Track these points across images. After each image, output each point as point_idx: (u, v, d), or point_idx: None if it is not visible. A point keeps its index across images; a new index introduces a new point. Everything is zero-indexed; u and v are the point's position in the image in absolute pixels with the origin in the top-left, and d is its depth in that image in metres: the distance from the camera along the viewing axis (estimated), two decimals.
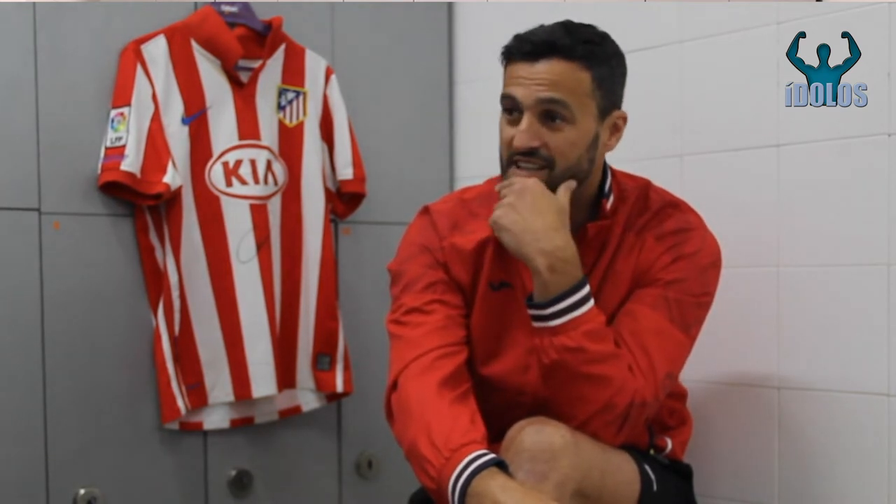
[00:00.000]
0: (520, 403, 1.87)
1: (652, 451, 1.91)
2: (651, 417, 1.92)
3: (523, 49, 1.78)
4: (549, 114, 1.76)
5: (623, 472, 1.80)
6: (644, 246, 1.85)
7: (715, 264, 1.88)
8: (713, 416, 2.13)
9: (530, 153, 1.77)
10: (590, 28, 1.82)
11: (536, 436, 1.69)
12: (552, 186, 1.77)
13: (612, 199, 1.87)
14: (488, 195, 1.89)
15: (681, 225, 1.87)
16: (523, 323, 1.81)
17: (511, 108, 1.79)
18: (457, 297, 1.88)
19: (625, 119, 1.84)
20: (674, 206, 1.90)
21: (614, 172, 1.91)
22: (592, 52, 1.77)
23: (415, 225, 1.96)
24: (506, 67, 1.82)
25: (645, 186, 1.92)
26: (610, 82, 1.80)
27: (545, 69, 1.76)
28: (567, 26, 1.80)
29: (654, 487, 1.84)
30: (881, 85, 1.91)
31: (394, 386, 1.82)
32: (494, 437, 1.78)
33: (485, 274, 1.88)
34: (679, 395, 2.01)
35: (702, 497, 2.02)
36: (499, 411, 1.85)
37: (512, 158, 1.79)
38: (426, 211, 1.95)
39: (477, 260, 1.88)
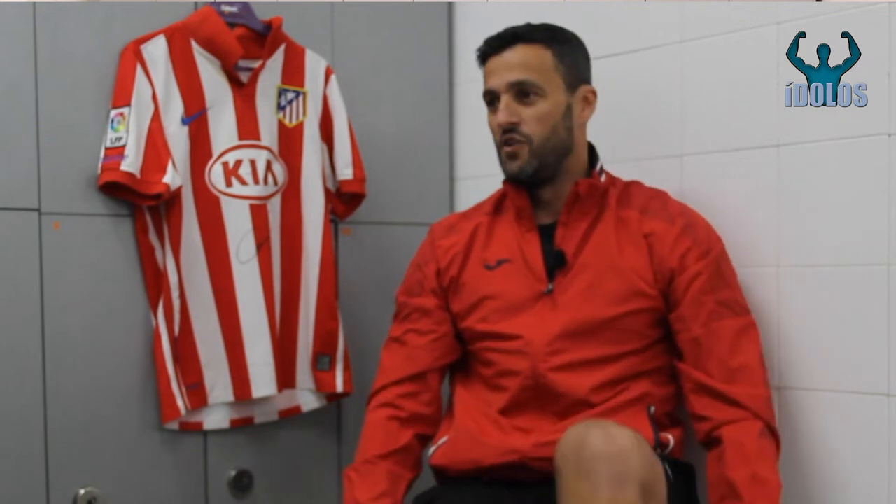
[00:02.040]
0: (514, 371, 1.99)
1: (658, 450, 1.91)
2: (658, 413, 1.96)
3: (492, 44, 2.04)
4: (522, 92, 2.00)
5: (659, 466, 1.82)
6: (631, 217, 2.02)
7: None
8: None
9: (511, 130, 2.00)
10: (546, 23, 2.06)
11: (606, 439, 1.70)
12: (536, 159, 2.00)
13: (603, 177, 2.07)
14: (484, 201, 2.17)
15: (658, 193, 2.08)
16: (528, 291, 2.02)
17: (491, 100, 2.04)
18: (428, 321, 2.12)
19: (594, 93, 2.06)
20: (658, 191, 2.10)
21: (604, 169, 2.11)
22: (551, 34, 2.03)
23: (421, 246, 2.21)
24: (482, 68, 2.07)
25: (634, 181, 2.11)
26: (572, 58, 2.04)
27: (511, 55, 2.01)
28: (528, 23, 2.05)
29: (673, 484, 1.86)
30: (881, 85, 1.91)
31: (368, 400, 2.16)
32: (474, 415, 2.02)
33: (476, 257, 2.09)
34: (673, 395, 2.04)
35: (702, 497, 2.02)
36: (488, 386, 2.04)
37: (501, 140, 2.02)
38: (430, 229, 2.22)
39: (468, 245, 2.11)
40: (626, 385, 1.97)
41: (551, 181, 2.04)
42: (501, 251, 2.08)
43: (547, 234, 2.06)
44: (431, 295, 2.13)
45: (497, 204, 2.14)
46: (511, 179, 2.05)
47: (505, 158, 2.03)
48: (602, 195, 2.05)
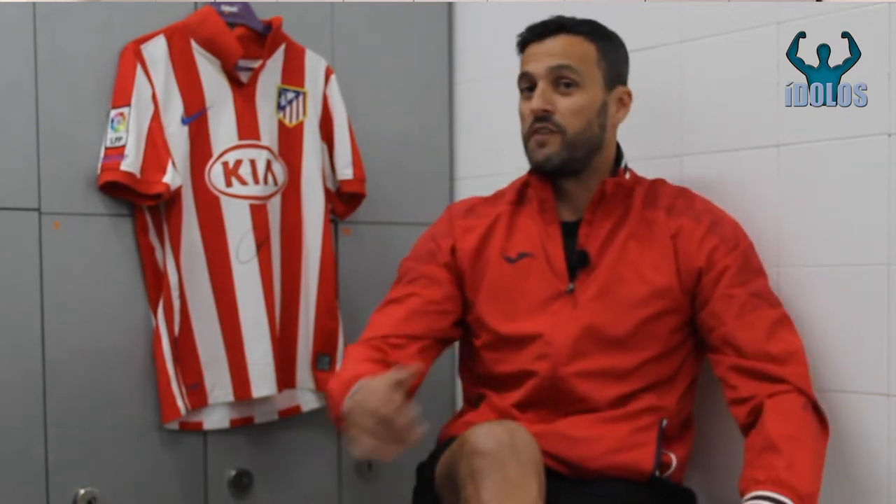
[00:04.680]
0: (531, 372, 1.94)
1: (657, 473, 1.89)
2: (669, 426, 1.93)
3: (534, 31, 1.99)
4: (560, 79, 1.95)
5: None
6: (659, 218, 1.99)
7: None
8: (714, 417, 2.13)
9: (544, 118, 1.95)
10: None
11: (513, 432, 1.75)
12: (566, 151, 1.95)
13: (629, 175, 2.04)
14: (505, 189, 2.11)
15: (682, 192, 2.05)
16: (549, 289, 1.97)
17: (527, 85, 1.98)
18: (438, 292, 2.03)
19: (630, 95, 2.03)
20: (683, 189, 2.07)
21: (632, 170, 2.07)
22: (595, 29, 1.99)
23: (436, 221, 2.14)
24: (521, 55, 2.01)
25: (658, 179, 2.08)
26: (613, 56, 2.00)
27: (554, 43, 1.97)
28: (571, 17, 2.00)
29: None
30: (881, 85, 1.91)
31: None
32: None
33: (495, 248, 2.03)
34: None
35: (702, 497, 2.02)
36: (511, 380, 1.97)
37: (532, 128, 1.96)
38: (448, 207, 2.16)
39: (488, 233, 2.05)
40: (641, 395, 1.93)
41: (576, 175, 1.99)
42: (523, 244, 2.02)
43: (569, 231, 2.00)
44: (444, 269, 2.05)
45: (519, 193, 2.07)
46: (537, 168, 1.99)
47: (534, 146, 1.97)
48: (627, 194, 2.01)
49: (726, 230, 1.98)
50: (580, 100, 1.95)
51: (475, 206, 2.11)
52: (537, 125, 1.95)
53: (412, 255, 2.11)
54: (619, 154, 2.04)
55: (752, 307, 1.91)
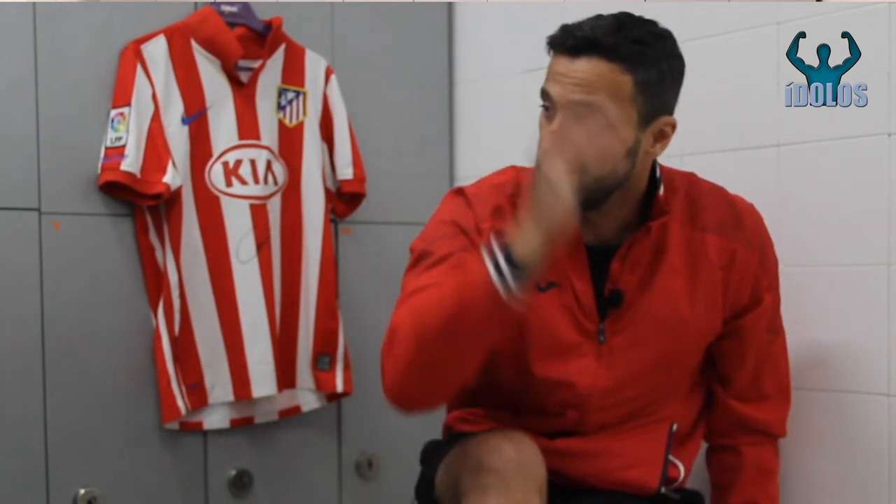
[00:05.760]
0: (560, 414, 1.80)
1: (663, 489, 1.85)
2: (680, 428, 1.88)
3: (566, 42, 1.64)
4: (582, 116, 1.63)
5: None
6: (707, 243, 1.77)
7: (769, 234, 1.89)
8: None
9: None
10: (647, 26, 1.67)
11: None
12: (582, 193, 1.58)
13: (662, 189, 1.76)
14: (523, 186, 1.69)
15: (727, 202, 1.84)
16: (577, 329, 1.75)
17: (547, 104, 1.67)
18: None
19: (673, 126, 1.71)
20: (725, 196, 1.86)
21: (661, 165, 1.80)
22: (640, 53, 1.62)
23: (446, 205, 1.81)
24: (550, 59, 1.69)
25: (690, 177, 1.84)
26: (658, 87, 1.66)
27: (583, 68, 1.62)
28: (621, 21, 1.65)
29: None
30: (881, 85, 1.91)
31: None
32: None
33: None
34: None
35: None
36: (530, 412, 1.81)
37: None
38: (459, 192, 1.80)
39: None
40: (652, 408, 1.84)
41: (596, 209, 1.71)
42: (551, 271, 1.68)
43: (594, 258, 1.75)
44: None
45: None
46: None
47: None
48: (668, 223, 1.76)
49: (769, 261, 1.86)
50: (604, 143, 1.63)
51: (500, 206, 1.75)
52: None
53: (436, 235, 1.76)
54: (653, 173, 1.76)
55: (768, 342, 1.88)
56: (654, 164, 1.77)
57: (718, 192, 1.86)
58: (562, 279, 1.74)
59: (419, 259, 1.74)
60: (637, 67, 1.62)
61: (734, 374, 1.89)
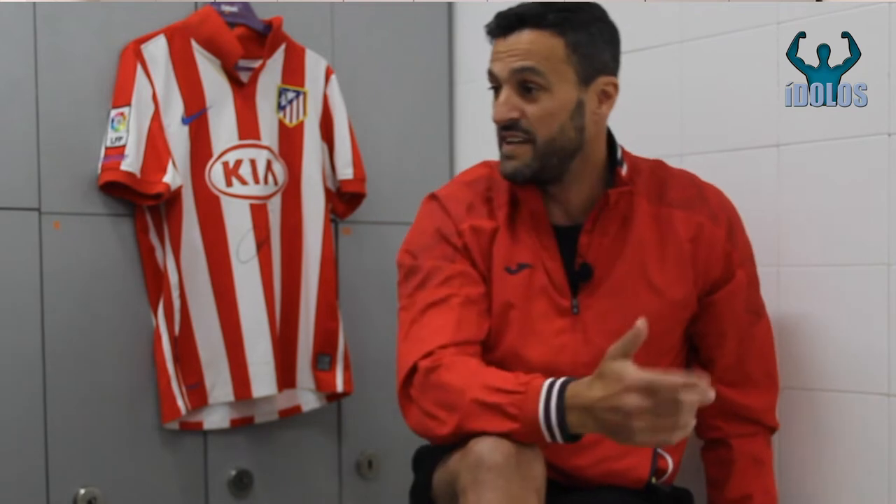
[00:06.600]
0: None
1: (653, 480, 1.87)
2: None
3: (500, 24, 1.80)
4: (525, 84, 1.77)
5: None
6: (673, 217, 1.85)
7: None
8: None
9: (512, 126, 1.79)
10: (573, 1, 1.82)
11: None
12: (537, 161, 1.79)
13: (626, 167, 1.86)
14: (494, 180, 1.89)
15: (690, 181, 1.92)
16: (549, 301, 1.83)
17: (494, 85, 1.82)
18: (477, 287, 1.83)
19: (615, 86, 1.83)
20: (692, 178, 1.94)
21: (623, 149, 1.90)
22: (565, 19, 1.77)
23: (424, 212, 1.93)
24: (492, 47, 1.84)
25: (658, 161, 1.94)
26: (589, 48, 1.79)
27: (517, 40, 1.77)
28: (542, 3, 1.80)
29: None
30: (881, 85, 1.91)
31: (412, 370, 1.74)
32: None
33: (499, 258, 1.85)
34: None
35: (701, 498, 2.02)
36: None
37: (499, 136, 1.82)
38: (433, 197, 1.93)
39: (489, 245, 1.86)
40: None
41: (558, 181, 1.83)
42: (523, 253, 1.84)
43: (564, 237, 1.85)
44: (474, 267, 1.85)
45: (511, 194, 1.87)
46: (507, 180, 1.84)
47: (502, 158, 1.82)
48: (631, 195, 1.85)
49: (738, 235, 1.91)
50: (547, 104, 1.77)
51: (471, 203, 1.88)
52: (504, 133, 1.80)
53: (419, 246, 1.88)
54: (611, 146, 1.87)
55: (749, 323, 1.92)
56: (613, 140, 1.87)
57: (686, 175, 1.94)
58: (534, 260, 1.84)
59: (409, 275, 1.86)
60: (565, 31, 1.77)
61: (715, 353, 1.92)
